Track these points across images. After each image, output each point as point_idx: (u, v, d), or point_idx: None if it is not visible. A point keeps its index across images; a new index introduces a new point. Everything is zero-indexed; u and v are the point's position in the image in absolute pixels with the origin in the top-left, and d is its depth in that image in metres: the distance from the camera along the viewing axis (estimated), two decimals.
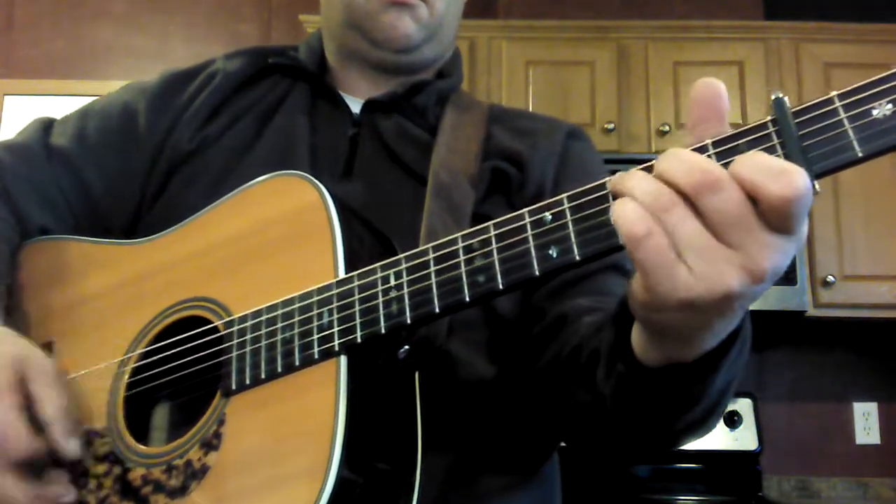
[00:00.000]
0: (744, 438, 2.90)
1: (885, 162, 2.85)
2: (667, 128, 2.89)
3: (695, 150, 0.56)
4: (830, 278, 2.80)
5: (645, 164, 0.56)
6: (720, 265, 0.52)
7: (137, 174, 0.99)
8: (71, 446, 0.77)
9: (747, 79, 2.93)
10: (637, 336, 0.63)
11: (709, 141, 0.56)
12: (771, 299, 2.70)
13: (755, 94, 2.91)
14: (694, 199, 0.52)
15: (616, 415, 0.71)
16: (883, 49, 2.93)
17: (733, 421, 2.91)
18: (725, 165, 0.53)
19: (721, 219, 0.51)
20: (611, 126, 2.89)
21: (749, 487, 2.89)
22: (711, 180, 0.51)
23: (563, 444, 0.95)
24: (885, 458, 3.09)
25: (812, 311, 2.78)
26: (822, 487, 3.06)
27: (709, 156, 0.55)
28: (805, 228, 0.53)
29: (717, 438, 2.91)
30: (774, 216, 0.51)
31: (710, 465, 2.91)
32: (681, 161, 0.53)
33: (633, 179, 0.54)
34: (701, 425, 0.71)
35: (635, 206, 0.53)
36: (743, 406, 2.93)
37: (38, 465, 0.77)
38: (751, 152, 0.53)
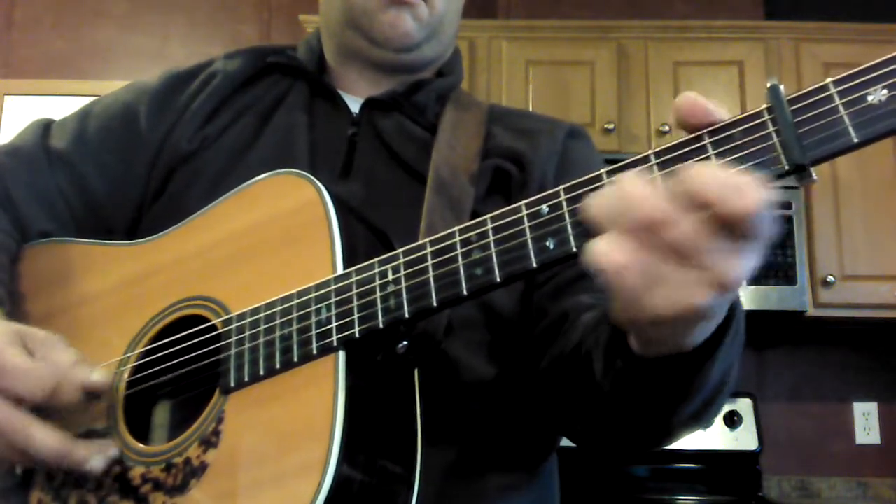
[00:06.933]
0: (744, 438, 2.90)
1: (886, 162, 2.85)
2: (667, 128, 2.89)
3: (693, 138, 0.55)
4: (830, 278, 2.80)
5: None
6: (685, 288, 0.50)
7: (138, 175, 0.99)
8: (96, 376, 0.77)
9: (747, 79, 2.94)
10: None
11: (705, 131, 0.56)
12: (771, 299, 2.70)
13: (755, 95, 2.91)
14: (648, 237, 0.50)
15: (617, 409, 0.71)
16: (883, 49, 2.87)
17: (733, 421, 2.91)
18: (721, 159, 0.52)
19: (680, 249, 0.50)
20: (611, 126, 2.89)
21: (749, 487, 2.89)
22: (658, 220, 0.49)
23: (565, 443, 0.95)
24: (885, 458, 3.09)
25: (812, 311, 2.78)
26: (822, 487, 3.06)
27: (707, 157, 0.54)
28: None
29: (717, 438, 2.91)
30: (741, 228, 0.49)
31: (710, 465, 2.91)
32: (627, 202, 0.50)
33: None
34: (703, 416, 0.70)
35: (615, 238, 0.51)
36: (743, 406, 2.93)
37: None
38: (698, 167, 0.50)
